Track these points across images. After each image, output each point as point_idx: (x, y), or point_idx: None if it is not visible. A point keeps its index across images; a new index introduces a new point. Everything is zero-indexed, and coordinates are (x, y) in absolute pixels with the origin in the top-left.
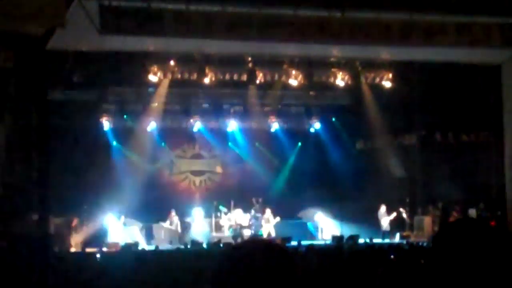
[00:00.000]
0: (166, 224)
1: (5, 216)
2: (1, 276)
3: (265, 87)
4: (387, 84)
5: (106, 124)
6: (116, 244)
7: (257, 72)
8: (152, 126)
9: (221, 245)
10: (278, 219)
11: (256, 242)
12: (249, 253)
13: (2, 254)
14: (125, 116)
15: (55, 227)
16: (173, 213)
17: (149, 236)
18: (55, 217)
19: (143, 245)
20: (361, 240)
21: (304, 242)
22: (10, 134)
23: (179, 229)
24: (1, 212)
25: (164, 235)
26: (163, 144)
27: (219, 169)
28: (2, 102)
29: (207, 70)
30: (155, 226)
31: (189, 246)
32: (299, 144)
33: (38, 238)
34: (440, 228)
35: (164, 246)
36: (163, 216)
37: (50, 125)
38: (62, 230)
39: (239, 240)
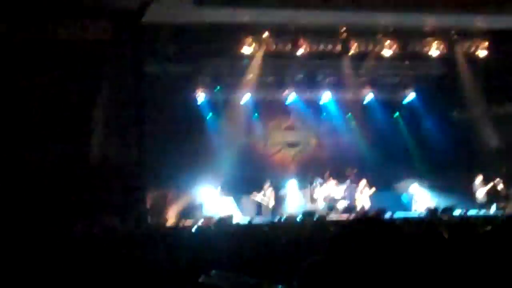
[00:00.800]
0: (259, 196)
1: (103, 188)
2: (96, 248)
3: (359, 57)
4: (482, 53)
5: (201, 96)
6: (211, 217)
7: (351, 43)
8: (246, 98)
9: (315, 218)
10: (373, 190)
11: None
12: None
13: (99, 226)
14: (218, 88)
15: (152, 200)
16: (267, 185)
17: (244, 208)
18: (151, 190)
19: (238, 218)
20: (456, 212)
21: (398, 214)
22: (108, 107)
23: (273, 201)
24: (100, 184)
25: (258, 207)
26: (257, 115)
27: (313, 141)
28: (100, 74)
29: (301, 41)
30: (249, 198)
31: (282, 219)
32: (394, 114)
33: (135, 211)
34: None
35: (258, 218)
36: (258, 188)
37: (146, 98)
38: (158, 203)
39: (333, 212)
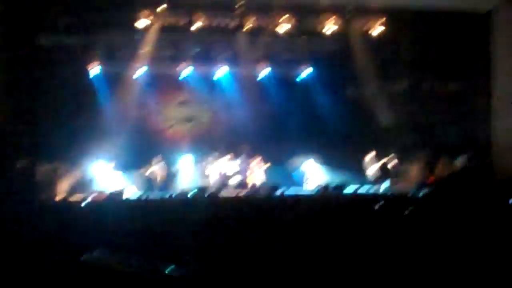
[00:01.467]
0: (150, 171)
1: None
2: None
3: (255, 33)
4: (377, 30)
5: (94, 69)
6: (102, 192)
7: (246, 18)
8: (140, 72)
9: (207, 194)
10: (266, 166)
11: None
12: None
13: None
14: (111, 61)
15: (42, 174)
16: (157, 159)
17: (136, 184)
18: (42, 164)
19: (130, 193)
20: (347, 189)
21: (291, 191)
22: None
23: (164, 177)
24: None
25: (149, 182)
26: (151, 90)
27: (207, 116)
28: None
29: (196, 16)
30: (140, 173)
31: (173, 195)
32: (289, 91)
33: (25, 185)
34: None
35: (149, 194)
36: (149, 163)
37: (37, 71)
38: (49, 178)
39: (226, 187)
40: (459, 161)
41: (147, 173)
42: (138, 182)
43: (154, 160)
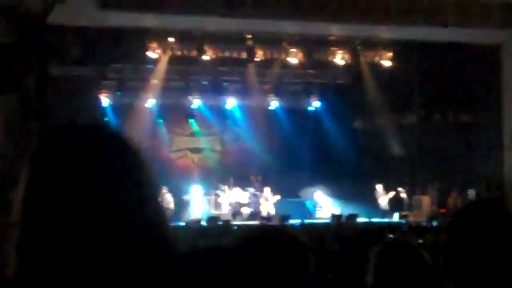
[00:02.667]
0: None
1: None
2: None
3: (264, 65)
4: (386, 63)
5: (104, 100)
6: None
7: (256, 50)
8: (151, 103)
9: (220, 222)
10: (277, 197)
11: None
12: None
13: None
14: (119, 93)
15: None
16: (164, 190)
17: None
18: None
19: None
20: (360, 219)
21: (303, 221)
22: (10, 109)
23: (172, 206)
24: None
25: None
26: (161, 121)
27: (218, 147)
28: (2, 76)
29: (206, 48)
30: None
31: (185, 223)
32: (298, 122)
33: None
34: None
35: None
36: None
37: (48, 101)
38: None
39: (238, 218)
40: (471, 193)
41: None
42: None
43: (164, 190)
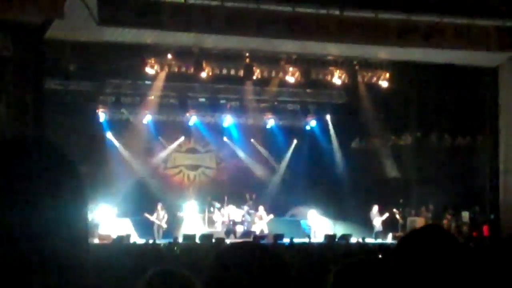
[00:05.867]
0: (152, 218)
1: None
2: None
3: (262, 83)
4: (384, 83)
5: (102, 115)
6: (108, 236)
7: (254, 68)
8: (148, 119)
9: (213, 240)
10: (271, 216)
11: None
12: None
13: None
14: (122, 110)
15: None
16: (159, 206)
17: (141, 229)
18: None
19: (135, 238)
20: (353, 240)
21: (296, 240)
22: (5, 123)
23: (164, 223)
24: None
25: (151, 228)
26: (158, 137)
27: (213, 164)
28: None
29: (204, 64)
30: (143, 219)
31: (180, 240)
32: (295, 141)
33: (30, 231)
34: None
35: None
36: (153, 209)
37: (45, 115)
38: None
39: (231, 236)
40: (465, 215)
41: (151, 219)
42: (141, 227)
43: (159, 206)
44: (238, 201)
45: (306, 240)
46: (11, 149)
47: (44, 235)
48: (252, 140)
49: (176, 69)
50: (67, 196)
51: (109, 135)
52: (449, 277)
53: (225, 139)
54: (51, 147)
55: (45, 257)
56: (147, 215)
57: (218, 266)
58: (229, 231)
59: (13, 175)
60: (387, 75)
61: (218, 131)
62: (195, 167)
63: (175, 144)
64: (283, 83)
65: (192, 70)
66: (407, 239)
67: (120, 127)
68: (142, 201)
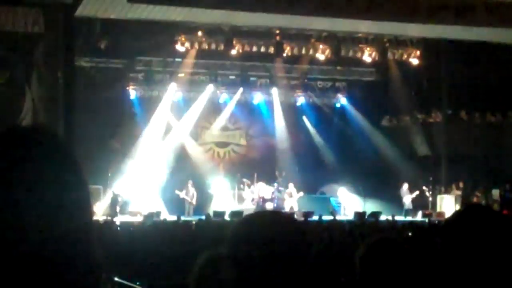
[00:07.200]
0: (182, 194)
1: None
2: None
3: (292, 60)
4: (414, 61)
5: (132, 92)
6: (138, 212)
7: (284, 46)
8: (178, 96)
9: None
10: (301, 193)
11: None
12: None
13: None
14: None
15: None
16: (189, 183)
17: (172, 206)
18: None
19: (165, 215)
20: (383, 217)
21: (325, 218)
22: (37, 100)
23: (194, 201)
24: None
25: (182, 205)
26: (188, 114)
27: (243, 141)
28: (30, 68)
29: (234, 42)
30: (174, 196)
31: (211, 217)
32: (324, 119)
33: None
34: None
35: (185, 215)
36: (183, 186)
37: (76, 92)
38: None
39: None
40: (495, 193)
41: (180, 195)
42: (172, 204)
43: (189, 183)
44: (268, 179)
45: (335, 217)
46: (7, 138)
47: (44, 224)
48: (282, 117)
49: (206, 47)
50: (65, 184)
51: (139, 112)
52: (503, 257)
53: (255, 116)
54: (47, 135)
55: (48, 248)
56: (177, 192)
57: (242, 232)
58: (259, 208)
59: (9, 163)
60: (418, 52)
61: (248, 108)
62: (225, 144)
63: (204, 122)
64: (313, 61)
65: (222, 47)
66: (455, 219)
67: (151, 104)
68: (173, 178)
